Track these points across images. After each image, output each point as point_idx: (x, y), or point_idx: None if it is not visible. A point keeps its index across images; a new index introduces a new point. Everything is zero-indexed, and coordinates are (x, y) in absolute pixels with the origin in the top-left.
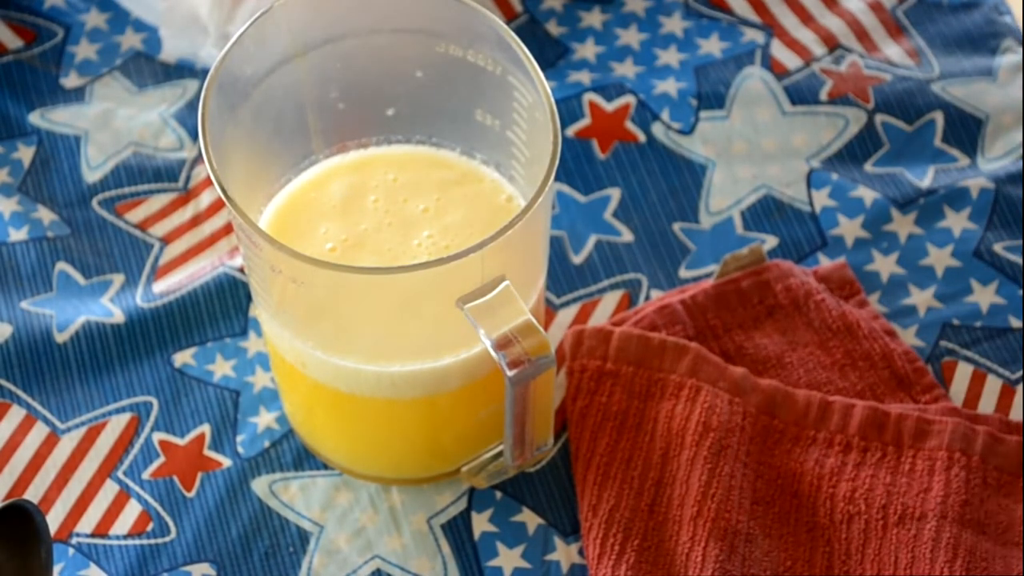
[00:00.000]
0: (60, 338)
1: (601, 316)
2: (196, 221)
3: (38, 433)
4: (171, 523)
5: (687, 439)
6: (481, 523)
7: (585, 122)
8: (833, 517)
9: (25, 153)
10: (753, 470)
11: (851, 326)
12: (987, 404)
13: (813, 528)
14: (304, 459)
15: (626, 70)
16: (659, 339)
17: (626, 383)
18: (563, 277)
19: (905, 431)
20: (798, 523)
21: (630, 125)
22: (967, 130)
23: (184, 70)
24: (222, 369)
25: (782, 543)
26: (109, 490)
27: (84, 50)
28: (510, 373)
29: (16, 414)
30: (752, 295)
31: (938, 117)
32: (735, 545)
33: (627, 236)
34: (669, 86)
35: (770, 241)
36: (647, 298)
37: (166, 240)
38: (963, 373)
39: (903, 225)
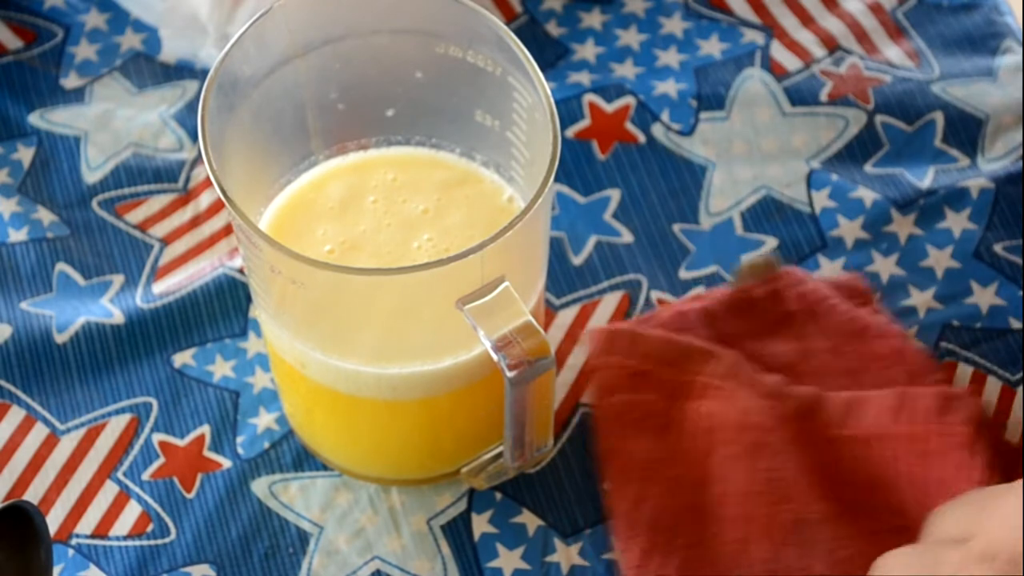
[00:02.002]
0: (60, 339)
1: (601, 317)
2: (196, 222)
3: (38, 434)
4: (171, 524)
5: (725, 437)
6: (481, 524)
7: (585, 123)
8: (892, 523)
9: (25, 154)
10: (797, 466)
11: (861, 329)
12: (986, 405)
13: (876, 532)
14: (304, 460)
15: (626, 71)
16: (686, 343)
17: (661, 384)
18: (563, 278)
19: (931, 407)
20: (861, 517)
21: (630, 126)
22: (967, 131)
23: (184, 71)
24: (222, 370)
25: (846, 527)
26: (109, 491)
27: (84, 51)
28: (510, 374)
29: (16, 415)
30: (766, 304)
31: (938, 118)
32: (787, 538)
33: (627, 237)
34: (669, 87)
35: (769, 243)
36: (647, 299)
37: (166, 241)
38: (963, 374)
39: (903, 226)
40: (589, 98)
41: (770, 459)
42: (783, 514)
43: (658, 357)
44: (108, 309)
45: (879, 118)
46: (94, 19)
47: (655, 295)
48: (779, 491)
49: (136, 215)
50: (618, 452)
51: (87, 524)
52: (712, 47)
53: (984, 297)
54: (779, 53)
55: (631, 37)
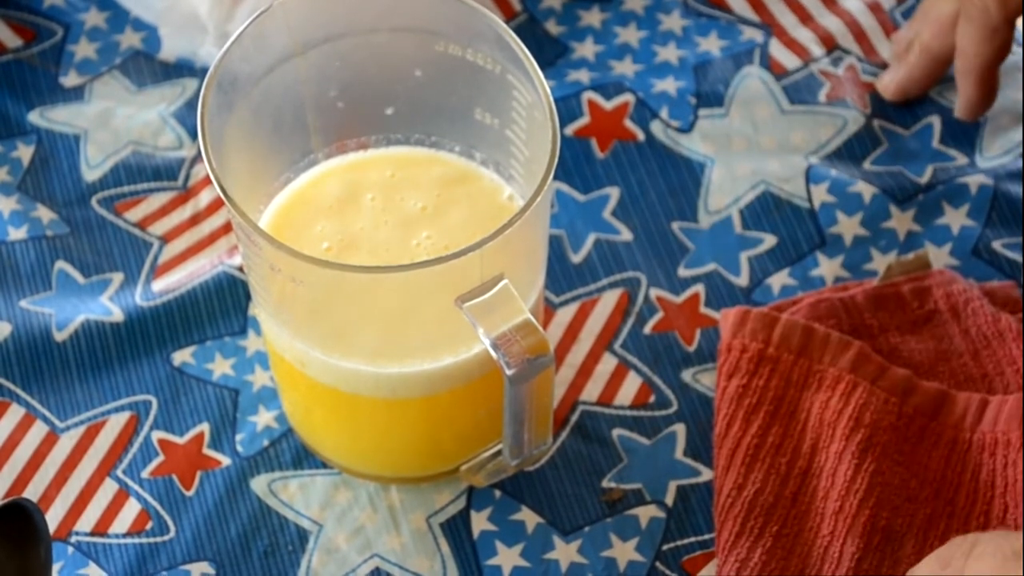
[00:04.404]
0: (59, 337)
1: (601, 315)
2: (195, 220)
3: (37, 432)
4: (170, 522)
5: (837, 432)
6: (480, 522)
7: (584, 121)
8: (986, 530)
9: (24, 152)
10: (907, 468)
11: (1003, 331)
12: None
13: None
14: (303, 458)
15: (625, 68)
16: (823, 331)
17: (785, 370)
18: (562, 276)
19: None
20: (948, 529)
21: (629, 123)
22: (965, 132)
23: (183, 69)
24: (221, 368)
25: (928, 545)
26: (108, 489)
27: (83, 49)
28: (509, 372)
29: (15, 413)
30: (912, 300)
31: (935, 121)
32: (875, 542)
33: (626, 235)
34: (668, 84)
35: (768, 240)
36: (646, 297)
37: (165, 239)
38: None
39: (902, 222)
40: (588, 96)
41: (878, 461)
42: (878, 519)
43: (787, 343)
44: (107, 307)
45: (877, 122)
46: (94, 18)
47: (654, 293)
48: (879, 495)
49: (135, 213)
50: (728, 435)
51: (87, 522)
52: (711, 44)
53: None
54: (778, 51)
55: (630, 35)
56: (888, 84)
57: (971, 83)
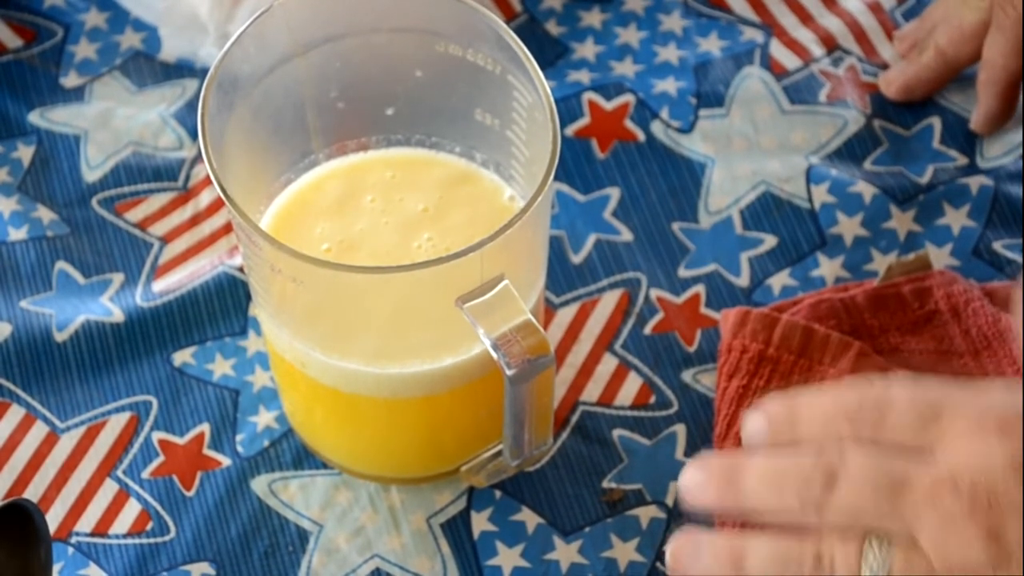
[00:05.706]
0: (60, 337)
1: (601, 315)
2: (196, 220)
3: (38, 432)
4: (171, 522)
5: None
6: (480, 522)
7: (584, 121)
8: None
9: (24, 152)
10: None
11: (1004, 332)
12: None
13: None
14: (303, 458)
15: (625, 69)
16: (824, 332)
17: (785, 371)
18: (562, 276)
19: None
20: None
21: (629, 124)
22: (966, 133)
23: (184, 69)
24: (222, 368)
25: None
26: (109, 489)
27: (83, 49)
28: (510, 372)
29: (15, 413)
30: (912, 300)
31: (936, 122)
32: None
33: (626, 235)
34: (668, 85)
35: (769, 241)
36: (646, 297)
37: (166, 239)
38: None
39: (902, 223)
40: (588, 96)
41: None
42: None
43: (787, 343)
44: (108, 307)
45: (877, 122)
46: (94, 18)
47: (655, 293)
48: None
49: (136, 214)
50: (729, 435)
51: (87, 522)
52: (711, 45)
53: None
54: (778, 51)
55: (630, 35)
56: (893, 80)
57: (994, 95)
